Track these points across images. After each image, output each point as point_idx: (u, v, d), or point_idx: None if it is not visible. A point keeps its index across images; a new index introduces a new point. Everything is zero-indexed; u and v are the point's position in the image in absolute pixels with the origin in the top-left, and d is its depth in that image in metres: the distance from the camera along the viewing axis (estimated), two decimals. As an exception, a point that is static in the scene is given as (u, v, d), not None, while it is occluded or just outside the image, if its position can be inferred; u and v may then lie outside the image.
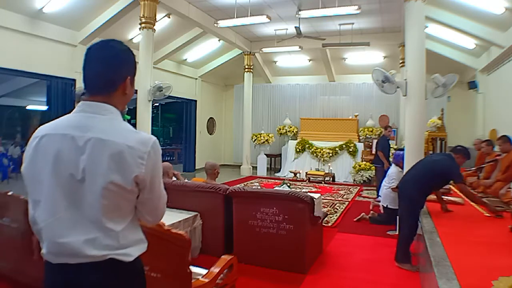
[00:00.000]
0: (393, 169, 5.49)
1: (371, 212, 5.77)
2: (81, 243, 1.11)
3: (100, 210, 1.11)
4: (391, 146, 7.83)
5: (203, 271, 2.34)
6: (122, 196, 1.15)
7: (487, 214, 3.58)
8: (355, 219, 5.64)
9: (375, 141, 10.17)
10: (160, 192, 1.27)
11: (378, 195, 7.29)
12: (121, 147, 1.12)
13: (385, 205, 5.31)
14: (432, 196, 3.89)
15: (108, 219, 1.13)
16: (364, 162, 9.90)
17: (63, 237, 1.11)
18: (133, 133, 1.18)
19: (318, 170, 10.11)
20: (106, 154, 1.11)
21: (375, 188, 8.87)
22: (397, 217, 4.86)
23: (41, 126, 1.22)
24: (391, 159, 6.68)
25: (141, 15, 6.55)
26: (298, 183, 9.44)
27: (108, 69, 1.20)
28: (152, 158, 1.18)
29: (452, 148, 4.00)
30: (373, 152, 10.03)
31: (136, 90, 6.65)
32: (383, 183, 5.58)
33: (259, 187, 6.99)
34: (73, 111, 1.22)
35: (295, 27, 8.40)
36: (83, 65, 1.21)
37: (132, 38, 8.53)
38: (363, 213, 5.68)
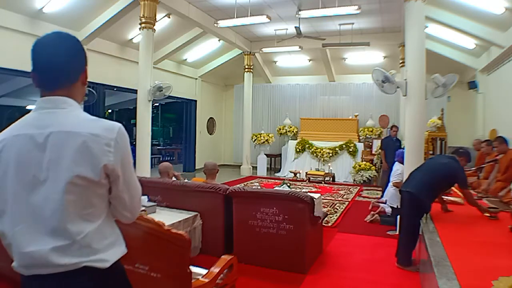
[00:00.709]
0: (397, 166, 5.48)
1: (371, 212, 5.76)
2: (49, 250, 1.02)
3: (67, 209, 1.03)
4: (402, 146, 7.71)
5: (203, 271, 2.34)
6: (91, 191, 1.07)
7: (487, 214, 3.56)
8: (367, 220, 5.59)
9: (375, 141, 10.20)
10: (135, 183, 1.20)
11: (382, 195, 7.28)
12: (84, 137, 1.05)
13: (394, 206, 5.26)
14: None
15: (77, 219, 1.05)
16: (364, 162, 9.90)
17: (30, 246, 1.03)
18: (96, 121, 1.11)
19: (318, 170, 10.10)
20: (69, 146, 1.04)
21: (375, 188, 8.87)
22: (397, 217, 4.86)
23: (1, 132, 1.13)
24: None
25: (141, 15, 6.55)
26: (298, 183, 9.44)
27: (70, 59, 1.14)
28: (120, 145, 1.11)
29: (454, 150, 3.97)
30: (373, 152, 10.05)
31: (136, 90, 6.66)
32: (390, 183, 5.56)
33: (259, 187, 6.98)
34: (32, 110, 1.14)
35: (295, 27, 8.40)
36: (36, 60, 1.12)
37: (132, 38, 8.54)
38: (376, 215, 5.65)
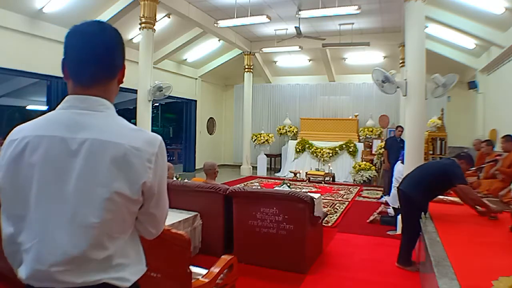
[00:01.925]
0: (399, 167, 5.43)
1: (375, 214, 5.72)
2: (69, 269, 0.92)
3: (99, 228, 0.93)
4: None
5: (203, 271, 2.33)
6: (126, 208, 0.96)
7: (493, 214, 3.53)
8: (368, 221, 5.56)
9: (375, 141, 10.20)
10: (166, 199, 1.10)
11: (382, 196, 7.26)
12: (125, 149, 0.94)
13: (396, 207, 5.24)
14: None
15: (106, 237, 0.94)
16: (364, 162, 9.90)
17: (47, 263, 0.91)
18: (137, 132, 1.00)
19: (318, 170, 10.11)
20: (107, 158, 0.93)
21: (375, 188, 8.86)
22: (398, 217, 4.86)
23: (17, 127, 1.00)
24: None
25: (141, 15, 6.56)
26: (298, 183, 9.43)
27: (110, 52, 1.02)
28: (160, 161, 1.01)
29: (456, 154, 3.97)
30: (373, 152, 10.05)
31: (136, 90, 6.66)
32: (393, 184, 5.53)
33: (259, 187, 6.99)
34: (59, 107, 1.00)
35: (295, 27, 8.40)
36: (72, 48, 1.00)
37: (132, 38, 8.54)
38: (376, 215, 5.62)
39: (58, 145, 0.94)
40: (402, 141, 7.38)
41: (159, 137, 1.04)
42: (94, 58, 1.00)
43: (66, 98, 1.01)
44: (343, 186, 9.33)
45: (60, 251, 0.92)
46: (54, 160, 0.94)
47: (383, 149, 7.74)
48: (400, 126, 7.61)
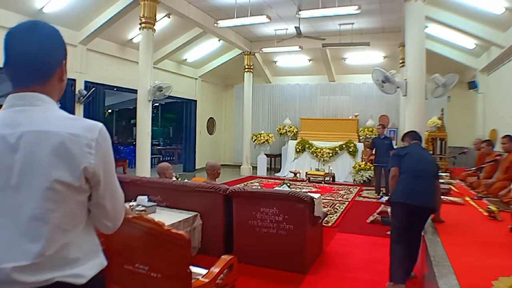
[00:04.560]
0: None
1: (375, 214, 5.72)
2: (19, 268, 0.90)
3: (46, 220, 0.92)
4: (394, 145, 7.63)
5: (203, 271, 2.33)
6: (71, 198, 0.96)
7: (486, 212, 3.54)
8: (368, 221, 5.53)
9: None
10: (118, 189, 1.10)
11: (382, 196, 7.25)
12: (62, 137, 0.94)
13: None
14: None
15: (56, 229, 0.93)
16: (364, 162, 9.90)
17: (3, 259, 0.91)
18: (75, 120, 1.01)
19: (318, 170, 10.10)
20: (45, 147, 0.93)
21: (374, 188, 8.85)
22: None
23: None
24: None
25: (141, 15, 6.56)
26: (298, 183, 9.43)
27: (44, 51, 1.01)
28: (102, 146, 1.00)
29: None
30: (373, 152, 10.04)
31: (136, 90, 6.66)
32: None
33: (259, 187, 6.98)
34: (2, 108, 1.02)
35: (295, 27, 8.41)
36: (8, 51, 1.00)
37: (132, 38, 8.54)
38: (377, 215, 5.60)
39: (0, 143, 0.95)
40: (387, 138, 7.41)
41: (100, 124, 1.03)
42: (25, 59, 1.00)
43: (7, 98, 1.02)
44: (343, 186, 9.33)
45: (10, 247, 0.91)
46: None
47: (367, 149, 7.68)
48: (380, 124, 7.61)
